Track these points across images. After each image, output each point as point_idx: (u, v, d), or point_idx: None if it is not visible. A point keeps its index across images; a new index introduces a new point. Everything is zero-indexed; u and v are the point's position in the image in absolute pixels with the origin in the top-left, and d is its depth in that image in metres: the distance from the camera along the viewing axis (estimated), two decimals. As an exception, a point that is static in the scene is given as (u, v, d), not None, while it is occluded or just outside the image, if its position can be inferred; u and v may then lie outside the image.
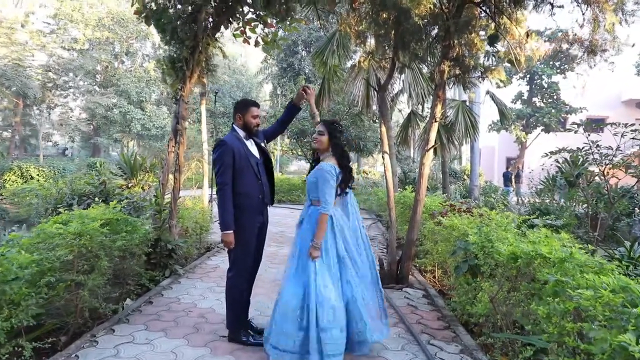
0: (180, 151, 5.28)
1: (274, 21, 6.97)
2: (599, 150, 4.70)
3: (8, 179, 14.19)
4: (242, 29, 6.82)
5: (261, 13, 6.14)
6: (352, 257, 3.22)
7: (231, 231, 3.19)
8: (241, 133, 3.37)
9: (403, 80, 9.05)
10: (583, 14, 4.67)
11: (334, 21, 9.78)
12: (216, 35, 5.77)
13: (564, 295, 2.18)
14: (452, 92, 24.35)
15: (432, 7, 4.64)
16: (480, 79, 7.30)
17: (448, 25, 4.69)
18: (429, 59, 7.39)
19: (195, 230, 6.73)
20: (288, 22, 7.06)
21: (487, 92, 11.81)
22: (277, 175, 22.97)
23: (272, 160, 4.08)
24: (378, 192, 14.09)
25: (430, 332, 3.83)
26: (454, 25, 4.63)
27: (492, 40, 6.21)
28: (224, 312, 3.57)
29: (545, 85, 25.83)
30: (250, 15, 6.75)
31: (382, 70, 7.20)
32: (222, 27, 5.50)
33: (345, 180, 3.29)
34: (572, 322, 2.04)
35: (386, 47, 6.08)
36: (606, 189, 5.40)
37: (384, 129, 5.43)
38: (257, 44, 7.10)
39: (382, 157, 5.49)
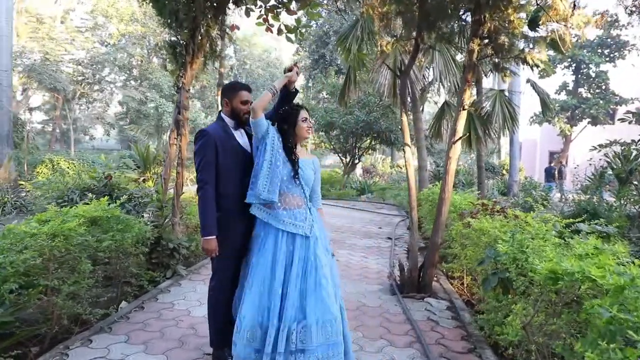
0: (183, 143, 4.89)
1: (296, 7, 6.58)
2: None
3: (40, 171, 14.38)
4: (264, 16, 6.44)
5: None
6: None
7: (213, 237, 2.73)
8: (229, 122, 2.89)
9: (433, 68, 8.35)
10: None
11: (358, 7, 9.20)
12: (222, 18, 5.33)
13: (622, 339, 1.60)
14: (491, 82, 23.18)
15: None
16: (518, 63, 6.54)
17: (479, -4, 4.06)
18: (458, 41, 6.71)
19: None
20: (310, 8, 6.66)
21: (528, 81, 10.85)
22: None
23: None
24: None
25: (451, 357, 3.26)
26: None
27: (534, 22, 5.49)
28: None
29: (593, 75, 24.13)
30: (272, 2, 6.37)
31: (407, 55, 6.57)
32: (231, 11, 5.01)
33: None
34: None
35: (411, 29, 5.46)
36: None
37: (404, 117, 4.84)
38: (279, 32, 6.69)
39: (403, 149, 4.91)
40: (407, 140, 4.84)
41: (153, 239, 4.79)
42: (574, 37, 5.02)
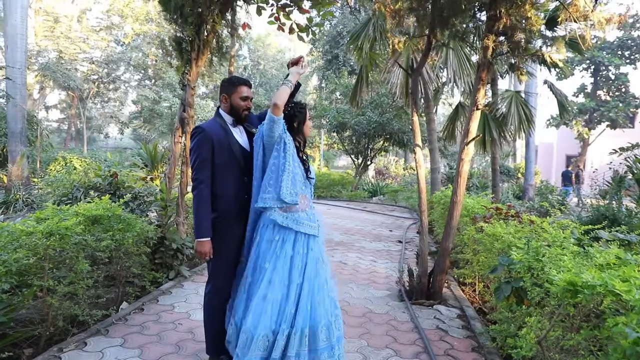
0: (188, 142, 4.78)
1: (308, 6, 6.50)
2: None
3: (53, 169, 14.50)
4: (275, 15, 6.36)
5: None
6: None
7: (207, 239, 2.60)
8: (227, 118, 2.76)
9: (447, 68, 8.15)
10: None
11: (371, 6, 9.05)
12: (233, 16, 5.24)
13: (651, 363, 1.42)
14: (506, 84, 22.79)
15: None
16: (535, 61, 6.32)
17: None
18: (473, 40, 6.52)
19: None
20: (322, 7, 6.58)
21: (545, 82, 10.59)
22: (322, 170, 22.41)
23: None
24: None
25: (460, 370, 3.09)
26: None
27: (552, 20, 5.28)
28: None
29: (612, 77, 23.57)
30: (283, 1, 6.29)
31: (420, 53, 6.39)
32: (236, 7, 4.90)
33: None
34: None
35: (424, 26, 5.29)
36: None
37: (416, 118, 4.67)
38: (291, 30, 6.61)
39: (414, 151, 4.74)
40: (418, 140, 4.67)
41: (156, 239, 4.70)
42: (593, 38, 4.81)
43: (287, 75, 2.94)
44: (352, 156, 18.30)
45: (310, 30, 6.83)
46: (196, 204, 2.60)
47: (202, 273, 5.12)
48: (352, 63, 22.87)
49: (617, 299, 1.82)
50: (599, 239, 3.71)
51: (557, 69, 8.42)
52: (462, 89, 8.88)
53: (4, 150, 13.89)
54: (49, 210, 3.58)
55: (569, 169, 19.66)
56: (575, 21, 4.40)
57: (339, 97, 22.01)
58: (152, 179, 7.07)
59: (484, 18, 5.01)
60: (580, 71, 24.20)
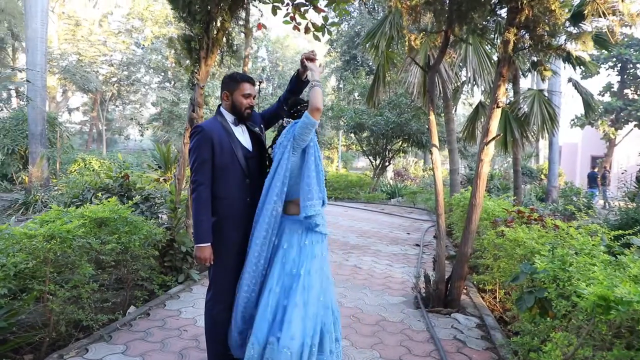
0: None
1: (324, 5, 6.39)
2: None
3: (73, 170, 14.68)
4: (291, 14, 6.27)
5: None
6: None
7: (207, 244, 2.46)
8: (228, 117, 2.62)
9: (467, 66, 7.89)
10: None
11: (387, 3, 8.86)
12: (246, 15, 5.13)
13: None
14: (528, 83, 22.21)
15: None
16: (559, 57, 6.03)
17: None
18: (493, 37, 6.28)
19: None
20: (337, 5, 6.46)
21: (570, 80, 10.19)
22: (340, 171, 22.22)
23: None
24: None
25: (479, 385, 2.88)
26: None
27: (578, 15, 5.01)
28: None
29: (641, 75, 22.77)
30: (299, 0, 6.19)
31: (437, 50, 6.17)
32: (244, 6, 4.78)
33: None
34: None
35: (441, 21, 5.08)
36: None
37: (432, 116, 4.46)
38: (307, 30, 6.49)
39: (430, 151, 4.53)
40: (435, 140, 4.46)
41: (165, 241, 4.60)
42: (620, 35, 4.52)
43: (297, 71, 2.82)
44: (370, 157, 18.08)
45: (326, 29, 6.70)
46: (195, 207, 2.47)
47: (212, 277, 5.01)
48: (370, 63, 22.64)
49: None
50: (630, 245, 3.45)
51: (582, 67, 8.08)
52: (483, 88, 8.60)
53: (26, 152, 14.12)
54: (54, 212, 3.51)
55: (595, 170, 19.03)
56: (603, 14, 4.14)
57: (357, 98, 21.82)
58: (165, 180, 7.01)
59: (504, 14, 4.79)
60: (606, 69, 23.43)
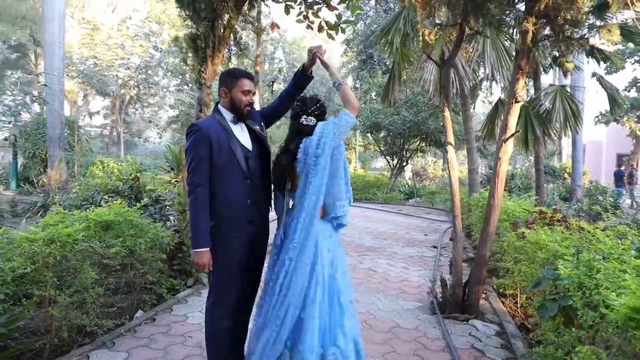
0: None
1: (336, 2, 6.27)
2: None
3: (91, 173, 14.85)
4: (304, 13, 6.17)
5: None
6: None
7: (205, 249, 2.33)
8: (227, 115, 2.48)
9: (484, 62, 7.63)
10: None
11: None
12: (258, 13, 5.01)
13: None
14: (550, 79, 21.63)
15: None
16: (583, 51, 5.77)
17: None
18: (512, 31, 6.04)
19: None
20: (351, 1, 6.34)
21: (594, 75, 9.79)
22: (357, 172, 22.00)
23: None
24: (459, 191, 12.57)
25: (498, 400, 2.69)
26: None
27: (603, 6, 4.75)
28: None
29: (669, 69, 21.93)
30: None
31: (452, 45, 5.96)
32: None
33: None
34: None
35: (456, 14, 4.88)
36: None
37: (447, 113, 4.26)
38: (320, 28, 6.39)
39: (445, 149, 4.34)
40: (450, 138, 4.26)
41: (173, 244, 4.52)
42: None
43: (302, 65, 2.69)
44: (387, 157, 17.83)
45: (339, 27, 6.59)
46: (193, 210, 2.34)
47: (222, 280, 4.90)
48: (387, 62, 22.40)
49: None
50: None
51: (606, 62, 7.75)
52: (502, 85, 8.33)
53: (46, 155, 14.34)
54: (59, 216, 3.44)
55: (622, 168, 18.39)
56: (631, 3, 3.88)
57: (373, 98, 21.59)
58: (177, 182, 6.96)
59: (522, 7, 4.56)
60: (632, 64, 22.63)
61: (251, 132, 2.52)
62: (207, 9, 4.06)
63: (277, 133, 28.56)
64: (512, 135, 3.77)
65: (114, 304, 3.79)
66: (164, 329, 3.55)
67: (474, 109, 11.27)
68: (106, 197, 4.80)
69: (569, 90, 8.44)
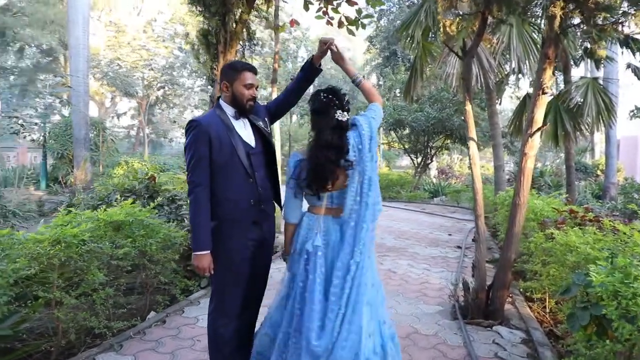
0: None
1: None
2: None
3: (116, 172, 15.13)
4: (324, 9, 6.05)
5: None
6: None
7: (206, 252, 2.22)
8: (228, 110, 2.35)
9: (511, 53, 7.30)
10: None
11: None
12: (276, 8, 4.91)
13: None
14: (581, 72, 20.83)
15: None
16: (615, 42, 5.43)
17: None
18: (540, 21, 5.75)
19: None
20: None
21: (629, 66, 9.32)
22: (382, 170, 21.73)
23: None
24: (485, 189, 12.16)
25: (522, 416, 2.48)
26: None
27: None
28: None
29: None
30: None
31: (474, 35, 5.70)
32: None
33: (309, 180, 2.17)
34: None
35: (479, 4, 4.64)
36: None
37: (469, 106, 4.04)
38: (340, 24, 6.26)
39: (467, 145, 4.11)
40: (472, 133, 4.04)
41: (187, 244, 4.44)
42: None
43: (311, 57, 2.53)
44: (411, 155, 17.50)
45: (360, 22, 6.43)
46: (192, 210, 2.23)
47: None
48: (410, 58, 22.02)
49: None
50: None
51: (643, 51, 7.32)
52: (530, 79, 7.98)
53: (73, 155, 14.68)
54: (69, 216, 3.40)
55: (659, 164, 17.53)
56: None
57: (397, 95, 21.26)
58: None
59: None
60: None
61: (254, 127, 2.39)
62: (217, 4, 3.95)
63: (300, 132, 28.45)
64: (539, 129, 3.53)
65: (126, 304, 3.75)
66: (174, 331, 3.46)
67: (500, 104, 10.88)
68: (118, 196, 4.76)
69: (601, 82, 8.01)
